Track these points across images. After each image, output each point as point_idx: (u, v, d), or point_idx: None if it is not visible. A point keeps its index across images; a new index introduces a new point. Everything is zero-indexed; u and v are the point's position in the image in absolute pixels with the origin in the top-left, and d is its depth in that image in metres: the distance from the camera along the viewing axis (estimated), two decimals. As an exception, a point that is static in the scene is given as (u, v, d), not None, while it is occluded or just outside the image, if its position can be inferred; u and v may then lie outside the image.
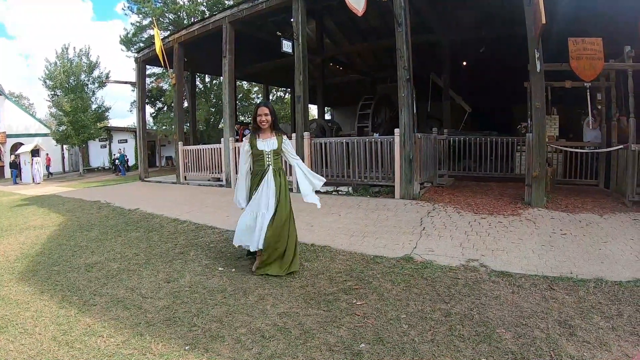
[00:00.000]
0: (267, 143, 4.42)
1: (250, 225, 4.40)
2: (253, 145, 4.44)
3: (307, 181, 4.66)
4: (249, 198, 4.54)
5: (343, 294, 3.62)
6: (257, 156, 4.46)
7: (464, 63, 15.05)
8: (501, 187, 8.70)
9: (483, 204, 6.98)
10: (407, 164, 7.89)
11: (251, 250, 4.42)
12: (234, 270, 4.50)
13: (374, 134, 12.05)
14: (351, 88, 20.33)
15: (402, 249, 4.86)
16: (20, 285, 4.52)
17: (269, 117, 4.39)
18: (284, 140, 4.55)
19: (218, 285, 4.08)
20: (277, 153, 4.51)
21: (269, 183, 4.40)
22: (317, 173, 9.41)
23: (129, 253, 5.47)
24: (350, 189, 8.96)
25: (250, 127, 4.45)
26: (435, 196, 7.93)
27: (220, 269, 4.60)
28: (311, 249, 5.09)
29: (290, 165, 5.51)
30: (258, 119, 4.40)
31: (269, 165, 4.45)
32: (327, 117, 25.58)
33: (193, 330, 3.12)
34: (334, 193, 9.11)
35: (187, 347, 2.86)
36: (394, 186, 8.13)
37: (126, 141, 32.81)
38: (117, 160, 25.78)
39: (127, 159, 30.45)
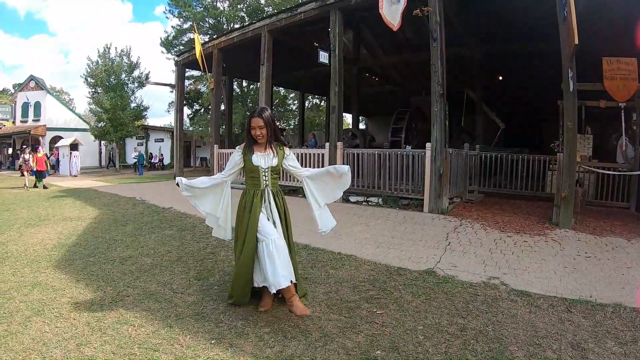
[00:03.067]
0: (265, 158, 3.62)
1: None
2: (247, 159, 3.64)
3: (322, 207, 3.94)
4: (232, 221, 3.81)
5: (365, 302, 3.76)
6: (251, 172, 3.67)
7: (500, 78, 14.95)
8: (530, 205, 8.65)
9: (510, 222, 6.99)
10: (436, 179, 7.95)
11: (281, 286, 3.33)
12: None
13: (407, 146, 12.13)
14: (385, 99, 20.41)
15: (425, 263, 4.96)
16: (57, 273, 4.80)
17: (264, 131, 3.56)
18: (286, 155, 3.74)
19: None
20: (277, 171, 3.75)
21: (271, 208, 3.69)
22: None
23: (161, 250, 5.73)
24: (380, 200, 9.08)
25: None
26: (464, 212, 7.97)
27: None
28: (337, 257, 5.23)
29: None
30: (252, 132, 3.58)
31: (266, 186, 3.68)
32: (362, 126, 25.71)
33: (219, 326, 3.30)
34: (363, 203, 9.26)
35: (213, 341, 3.05)
36: (423, 200, 8.19)
37: (162, 140, 33.74)
38: (135, 159, 26.31)
39: (162, 157, 31.20)
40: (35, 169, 15.78)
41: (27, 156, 16.04)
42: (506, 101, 16.81)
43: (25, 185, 15.28)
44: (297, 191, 10.92)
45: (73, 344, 3.05)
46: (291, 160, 3.84)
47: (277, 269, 3.34)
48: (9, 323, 3.41)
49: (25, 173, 15.93)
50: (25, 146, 18.03)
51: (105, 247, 5.97)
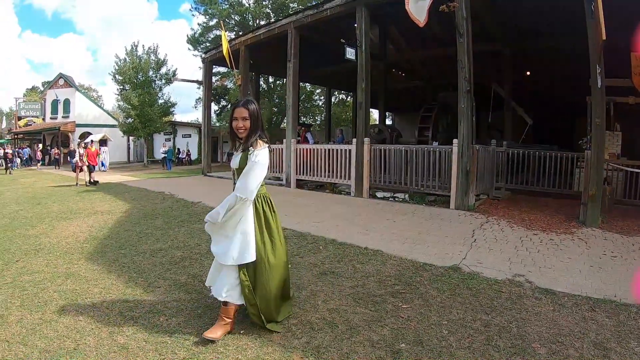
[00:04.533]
0: (236, 158, 3.25)
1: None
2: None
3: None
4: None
5: (390, 296, 3.84)
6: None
7: (528, 73, 14.70)
8: (558, 203, 8.54)
9: (537, 219, 6.96)
10: (463, 175, 7.95)
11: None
12: (290, 266, 4.78)
13: (434, 142, 12.11)
14: (412, 94, 20.29)
15: (451, 259, 5.00)
16: (89, 264, 4.99)
17: (247, 123, 3.14)
18: (249, 155, 3.09)
19: None
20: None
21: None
22: (376, 178, 9.49)
23: (191, 243, 5.86)
24: (406, 196, 9.10)
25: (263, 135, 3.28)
26: (490, 209, 7.95)
27: None
28: (364, 252, 5.30)
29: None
30: (234, 123, 3.18)
31: (233, 188, 3.27)
32: (388, 122, 25.63)
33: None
34: (390, 199, 9.32)
35: (242, 332, 3.15)
36: (449, 196, 8.20)
37: (190, 136, 34.16)
38: (164, 155, 26.75)
39: (190, 152, 31.66)
40: (87, 164, 15.23)
41: (82, 151, 15.62)
42: (535, 97, 16.51)
43: (86, 182, 14.94)
44: (324, 187, 11.03)
45: (106, 332, 3.19)
46: (248, 163, 3.09)
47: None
48: (44, 312, 3.58)
49: (84, 168, 15.34)
50: (80, 140, 18.06)
51: (135, 240, 6.16)
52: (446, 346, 2.91)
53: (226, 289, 3.13)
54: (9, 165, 25.26)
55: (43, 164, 32.18)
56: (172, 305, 3.68)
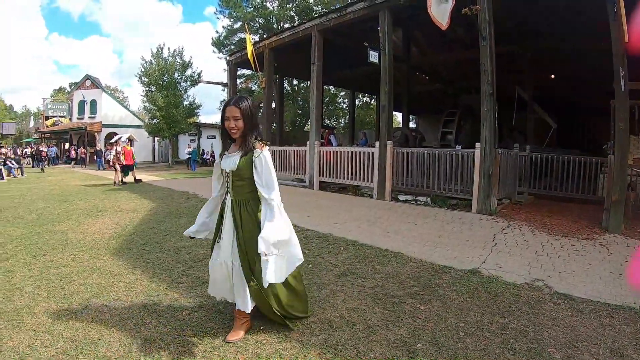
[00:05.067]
0: (230, 159, 3.04)
1: (223, 277, 3.16)
2: (220, 160, 3.18)
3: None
4: (215, 234, 3.27)
5: (409, 297, 3.88)
6: (223, 177, 3.20)
7: (552, 76, 14.48)
8: (581, 208, 8.42)
9: (559, 225, 6.88)
10: (485, 179, 7.90)
11: (240, 308, 3.10)
12: (310, 266, 4.86)
13: (457, 146, 12.04)
14: (435, 97, 20.11)
15: (471, 262, 5.01)
16: (115, 260, 5.15)
17: (240, 123, 2.95)
18: (255, 158, 2.96)
19: None
20: (240, 177, 3.03)
21: (224, 221, 3.14)
22: (398, 181, 9.48)
23: None
24: (428, 199, 9.09)
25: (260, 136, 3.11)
26: (512, 213, 7.89)
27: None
28: (384, 254, 5.35)
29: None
30: (226, 123, 2.99)
31: (227, 193, 3.16)
32: (412, 125, 25.49)
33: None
34: (412, 202, 9.32)
35: (262, 327, 3.23)
36: (471, 200, 8.15)
37: (214, 137, 34.26)
38: (189, 155, 26.99)
39: (214, 153, 32.03)
40: (123, 163, 14.98)
41: (119, 148, 15.25)
42: (559, 100, 16.24)
43: (114, 181, 14.79)
44: (347, 189, 11.09)
45: (130, 324, 3.31)
46: (263, 165, 2.96)
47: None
48: (70, 303, 3.73)
49: (116, 167, 15.05)
50: (118, 136, 18.32)
51: (160, 237, 6.29)
52: (462, 348, 2.95)
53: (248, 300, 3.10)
54: (42, 162, 26.13)
55: (68, 163, 33.20)
56: (194, 301, 3.79)
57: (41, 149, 30.31)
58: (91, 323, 3.35)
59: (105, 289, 4.14)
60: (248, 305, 3.06)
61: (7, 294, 4.00)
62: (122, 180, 14.97)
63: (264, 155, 2.97)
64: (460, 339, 3.08)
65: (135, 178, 15.27)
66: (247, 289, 3.02)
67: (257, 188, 2.98)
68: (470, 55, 10.93)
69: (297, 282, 3.31)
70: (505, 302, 3.80)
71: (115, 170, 15.21)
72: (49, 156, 32.36)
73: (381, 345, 3.00)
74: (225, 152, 3.14)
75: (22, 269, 4.80)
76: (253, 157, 2.95)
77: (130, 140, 18.12)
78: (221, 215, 3.23)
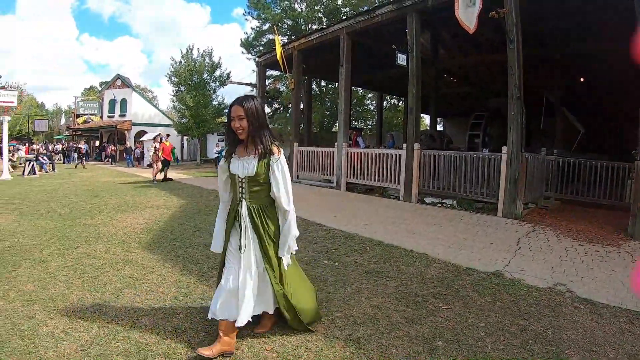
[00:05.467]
0: (243, 164, 2.89)
1: (250, 289, 2.94)
2: (227, 164, 2.99)
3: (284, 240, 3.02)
4: (226, 245, 3.08)
5: (432, 297, 3.97)
6: (232, 181, 3.03)
7: (582, 79, 14.18)
8: (607, 215, 8.29)
9: (584, 231, 6.83)
10: (512, 183, 7.88)
11: (265, 311, 3.11)
12: (337, 264, 4.99)
13: (484, 149, 11.98)
14: (464, 99, 19.93)
15: (494, 265, 5.06)
16: (146, 253, 5.34)
17: (244, 123, 2.81)
18: (273, 163, 2.86)
19: (321, 275, 4.57)
20: (258, 182, 2.90)
21: (242, 228, 2.95)
22: (425, 184, 9.51)
23: None
24: (454, 202, 9.09)
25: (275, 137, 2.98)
26: (538, 218, 7.85)
27: (324, 261, 5.09)
28: (409, 254, 5.44)
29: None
30: (232, 124, 2.85)
31: (241, 199, 2.97)
32: (440, 127, 25.30)
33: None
34: (438, 205, 9.34)
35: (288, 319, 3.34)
36: (497, 204, 8.14)
37: None
38: (217, 154, 27.14)
39: None
40: (162, 159, 15.18)
41: (158, 145, 15.38)
42: (588, 104, 15.89)
43: (154, 179, 14.90)
44: (374, 190, 11.17)
45: (161, 313, 3.46)
46: (279, 170, 2.88)
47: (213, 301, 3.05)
48: (103, 293, 3.94)
49: (158, 164, 15.16)
50: (158, 134, 18.76)
51: (190, 233, 6.47)
52: (481, 347, 3.02)
53: (272, 300, 3.12)
54: (81, 158, 26.99)
55: (98, 159, 34.23)
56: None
57: (80, 146, 31.27)
58: (124, 311, 3.52)
59: (137, 280, 4.32)
60: (271, 306, 3.12)
61: (42, 282, 4.23)
62: (165, 176, 15.23)
63: (281, 162, 2.90)
64: (480, 338, 3.16)
65: (165, 176, 15.49)
66: (272, 291, 3.04)
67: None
68: (499, 58, 10.82)
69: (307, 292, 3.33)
70: (526, 305, 3.85)
71: (154, 167, 15.42)
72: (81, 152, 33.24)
73: (403, 341, 3.09)
74: (234, 155, 2.96)
75: (57, 259, 5.05)
76: (271, 162, 2.86)
77: (168, 135, 18.49)
78: (230, 222, 3.07)
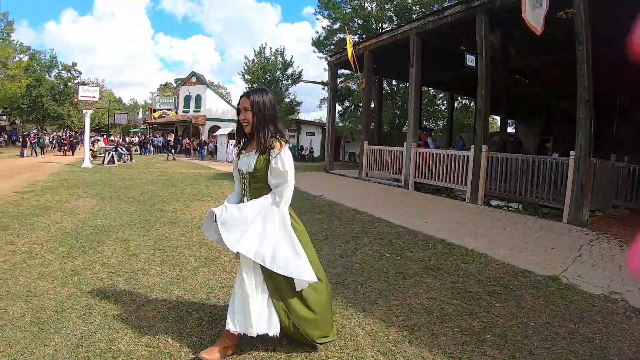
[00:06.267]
0: (247, 159, 2.74)
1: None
2: (237, 159, 2.87)
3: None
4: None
5: (486, 295, 4.13)
6: (240, 177, 2.89)
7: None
8: (680, 226, 7.83)
9: (651, 241, 6.58)
10: (578, 189, 7.69)
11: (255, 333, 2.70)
12: (399, 258, 5.26)
13: (554, 153, 11.63)
14: (535, 101, 19.00)
15: (552, 269, 5.09)
16: None
17: (249, 115, 2.67)
18: (272, 158, 2.63)
19: (383, 267, 4.84)
20: (257, 178, 2.71)
21: None
22: (492, 186, 9.38)
23: (311, 230, 6.17)
24: (520, 206, 8.95)
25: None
26: (603, 226, 7.62)
27: (387, 255, 5.36)
28: (469, 254, 5.59)
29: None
30: (239, 116, 2.75)
31: (244, 196, 2.84)
32: (511, 129, 24.41)
33: (357, 295, 3.91)
34: (504, 208, 9.25)
35: (349, 304, 3.65)
36: (562, 209, 7.97)
37: (313, 134, 34.81)
38: None
39: (312, 150, 32.85)
40: None
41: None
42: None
43: None
44: (440, 191, 11.23)
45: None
46: (274, 169, 2.63)
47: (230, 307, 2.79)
48: (180, 269, 4.41)
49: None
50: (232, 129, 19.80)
51: None
52: (527, 344, 3.18)
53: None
54: (170, 151, 28.64)
55: (174, 152, 36.12)
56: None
57: (168, 138, 33.25)
58: (200, 286, 3.91)
59: (212, 261, 4.70)
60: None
61: (125, 258, 4.79)
62: None
63: (281, 157, 2.63)
64: (527, 336, 3.33)
65: None
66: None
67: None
68: (570, 59, 10.47)
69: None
70: (578, 309, 3.92)
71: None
72: (156, 145, 35.12)
73: (454, 331, 3.33)
74: (243, 151, 2.85)
75: (137, 239, 5.63)
76: (270, 157, 2.63)
77: (233, 134, 19.30)
78: None
